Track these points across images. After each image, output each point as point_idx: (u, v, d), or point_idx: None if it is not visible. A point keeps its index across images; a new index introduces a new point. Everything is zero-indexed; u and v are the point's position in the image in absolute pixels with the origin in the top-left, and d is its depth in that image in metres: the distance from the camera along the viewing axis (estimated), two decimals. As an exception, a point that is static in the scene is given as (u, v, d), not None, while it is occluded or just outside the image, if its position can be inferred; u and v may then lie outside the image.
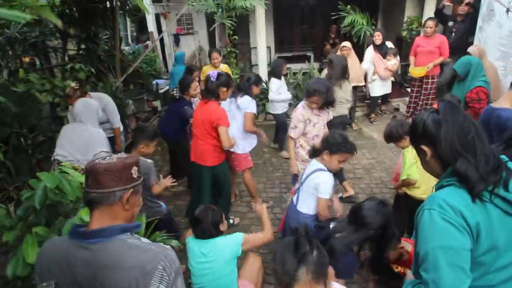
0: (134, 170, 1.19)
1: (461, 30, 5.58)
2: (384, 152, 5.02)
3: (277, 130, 5.21)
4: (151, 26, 8.21)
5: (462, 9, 5.47)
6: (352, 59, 5.45)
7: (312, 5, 9.18)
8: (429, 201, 1.14)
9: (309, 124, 3.14)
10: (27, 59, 5.77)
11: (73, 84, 3.53)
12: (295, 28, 9.38)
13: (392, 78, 5.92)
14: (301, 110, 3.14)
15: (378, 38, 5.63)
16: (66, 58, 5.77)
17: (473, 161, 1.12)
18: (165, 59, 8.86)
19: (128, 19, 8.99)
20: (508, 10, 4.48)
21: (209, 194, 3.35)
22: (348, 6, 6.28)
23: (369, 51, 5.75)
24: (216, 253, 2.14)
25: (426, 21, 5.31)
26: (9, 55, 4.83)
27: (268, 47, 8.34)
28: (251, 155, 4.98)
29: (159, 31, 8.46)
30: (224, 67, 5.19)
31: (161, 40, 8.56)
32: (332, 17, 6.47)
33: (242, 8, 6.04)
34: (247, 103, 3.56)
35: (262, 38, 6.72)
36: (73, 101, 3.32)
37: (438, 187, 1.20)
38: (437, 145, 1.18)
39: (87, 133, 2.86)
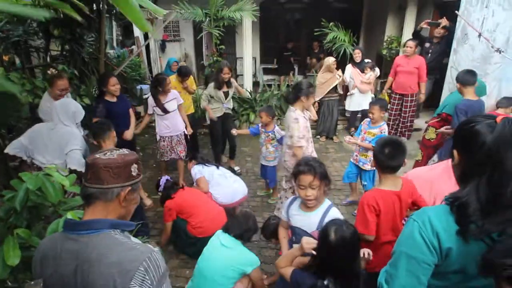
0: (134, 167, 1.18)
1: (437, 51, 5.89)
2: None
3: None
4: (137, 31, 8.18)
5: (438, 31, 5.79)
6: (332, 74, 5.69)
7: (297, 20, 9.44)
8: (420, 213, 1.20)
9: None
10: (6, 58, 5.62)
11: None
12: (280, 41, 9.59)
13: (372, 95, 6.09)
14: (304, 118, 3.19)
15: (358, 56, 5.83)
16: (48, 59, 5.66)
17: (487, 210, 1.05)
18: (150, 64, 8.82)
19: (114, 23, 8.92)
20: (480, 35, 4.78)
21: None
22: (331, 23, 6.51)
23: (348, 67, 5.94)
24: (232, 253, 2.28)
25: (406, 41, 5.59)
26: (-11, 53, 4.71)
27: (254, 58, 8.47)
28: (235, 164, 5.10)
29: (145, 36, 8.44)
30: (189, 80, 5.12)
31: (147, 45, 8.54)
32: (316, 33, 6.68)
33: (230, 18, 6.15)
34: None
35: (248, 48, 6.84)
36: (57, 86, 3.40)
37: (445, 199, 1.20)
38: (472, 160, 1.11)
39: (58, 135, 2.77)
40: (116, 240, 1.09)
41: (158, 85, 4.10)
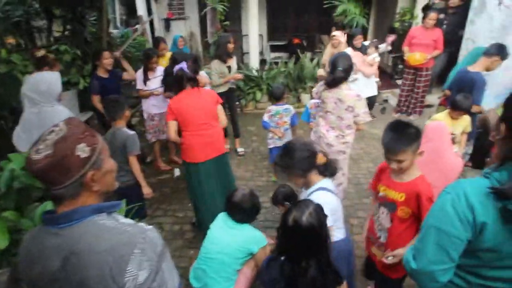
0: (81, 148, 0.97)
1: (452, 22, 5.57)
2: (372, 143, 5.03)
3: None
4: (141, 9, 8.01)
5: (453, 2, 5.45)
6: (339, 50, 5.34)
7: (306, -7, 9.06)
8: (454, 185, 1.14)
9: None
10: (11, 40, 5.58)
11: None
12: (288, 16, 9.27)
13: (377, 79, 5.44)
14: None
15: (359, 41, 5.10)
16: (51, 40, 5.60)
17: None
18: (155, 44, 8.69)
19: (116, 1, 8.75)
20: (500, 3, 4.47)
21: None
22: (341, -5, 6.21)
23: (348, 51, 4.90)
24: (237, 233, 2.21)
25: (428, 12, 5.14)
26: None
27: (260, 35, 8.23)
28: (240, 144, 4.99)
29: (150, 15, 8.26)
30: (168, 55, 4.78)
31: (152, 24, 8.37)
32: (325, 5, 6.39)
33: (234, -7, 5.92)
34: None
35: (254, 25, 6.60)
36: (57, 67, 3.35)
37: (484, 174, 1.14)
38: None
39: (46, 118, 2.64)
40: (102, 226, 1.00)
41: (145, 59, 4.05)
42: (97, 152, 1.03)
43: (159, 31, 8.57)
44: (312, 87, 6.47)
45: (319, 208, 1.52)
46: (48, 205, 1.43)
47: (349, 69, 2.92)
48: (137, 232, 1.00)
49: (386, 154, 1.79)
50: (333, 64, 2.91)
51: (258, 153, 4.95)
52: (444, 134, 2.61)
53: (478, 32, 4.85)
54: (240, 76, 4.64)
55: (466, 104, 3.09)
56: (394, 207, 1.86)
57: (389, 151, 1.76)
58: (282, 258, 1.55)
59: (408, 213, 1.83)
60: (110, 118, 2.79)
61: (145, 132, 4.41)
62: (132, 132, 2.79)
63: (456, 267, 1.13)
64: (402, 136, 1.73)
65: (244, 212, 2.24)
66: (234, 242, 2.19)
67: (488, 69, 3.53)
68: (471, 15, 5.00)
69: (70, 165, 0.96)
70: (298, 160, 1.85)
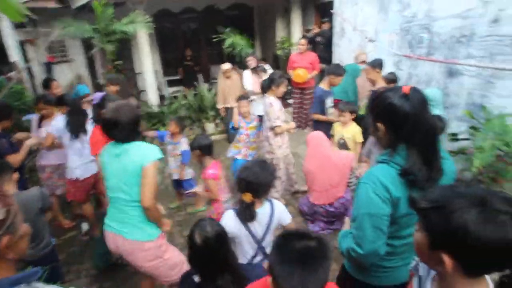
0: None
1: (325, 43, 6.56)
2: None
3: None
4: (15, 55, 7.22)
5: (313, 32, 6.54)
6: (232, 80, 5.74)
7: (194, 29, 9.48)
8: (367, 176, 1.38)
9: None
10: None
11: None
12: (180, 51, 9.50)
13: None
14: (278, 102, 3.63)
15: (251, 62, 5.62)
16: None
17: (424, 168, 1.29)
18: (36, 91, 7.87)
19: (-19, 49, 7.71)
20: (354, 28, 5.47)
21: None
22: (228, 29, 6.71)
23: (247, 74, 5.66)
24: (127, 156, 2.00)
25: (299, 40, 6.03)
26: None
27: (156, 71, 8.22)
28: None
29: (27, 60, 7.49)
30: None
31: (30, 70, 7.60)
32: (214, 40, 6.80)
33: (123, 32, 5.84)
34: None
35: (147, 62, 6.60)
36: None
37: (378, 161, 1.41)
38: (399, 129, 1.31)
39: None
40: None
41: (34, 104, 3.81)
42: (12, 214, 0.92)
43: (40, 76, 7.83)
44: (214, 116, 6.70)
45: (211, 218, 1.68)
46: None
47: (272, 79, 3.60)
48: None
49: None
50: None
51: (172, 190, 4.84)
52: (321, 140, 3.14)
53: (343, 53, 5.81)
54: None
55: (345, 107, 3.77)
56: None
57: None
58: (196, 279, 1.56)
59: None
60: None
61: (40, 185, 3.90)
62: (36, 188, 2.48)
63: None
64: (315, 265, 1.04)
65: (125, 127, 1.98)
66: (130, 164, 1.98)
67: (332, 85, 4.02)
68: (335, 39, 5.98)
69: None
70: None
